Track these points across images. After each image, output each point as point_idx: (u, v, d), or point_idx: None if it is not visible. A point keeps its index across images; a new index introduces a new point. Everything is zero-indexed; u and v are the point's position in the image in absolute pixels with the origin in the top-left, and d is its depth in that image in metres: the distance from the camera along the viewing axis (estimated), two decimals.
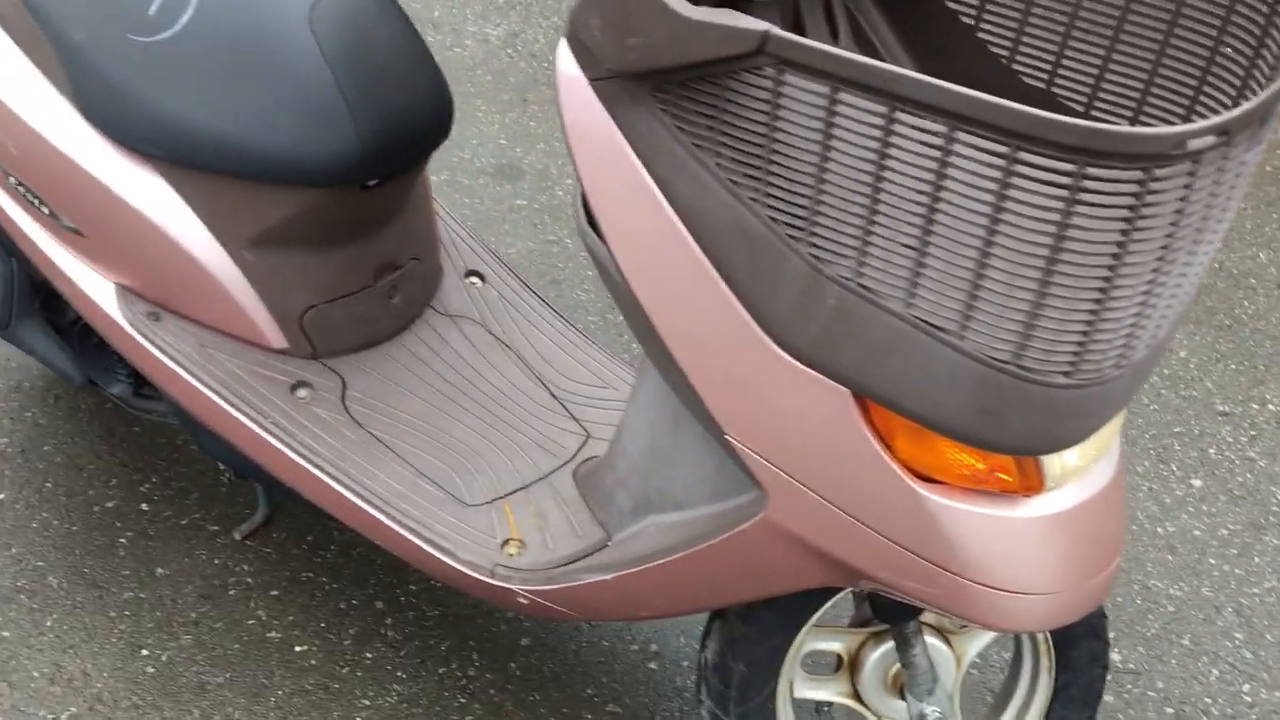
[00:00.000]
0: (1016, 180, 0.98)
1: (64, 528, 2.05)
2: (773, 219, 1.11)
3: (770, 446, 1.24)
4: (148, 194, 1.63)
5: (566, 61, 1.18)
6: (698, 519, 1.41)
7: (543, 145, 3.03)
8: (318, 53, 1.56)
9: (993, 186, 0.99)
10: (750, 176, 1.11)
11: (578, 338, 1.92)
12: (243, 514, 2.09)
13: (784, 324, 1.15)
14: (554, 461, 1.74)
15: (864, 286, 1.10)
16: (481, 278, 1.95)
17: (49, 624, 1.91)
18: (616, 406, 1.83)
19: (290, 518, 2.10)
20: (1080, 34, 1.35)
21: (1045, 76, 1.39)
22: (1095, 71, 1.35)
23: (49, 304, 1.94)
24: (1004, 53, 1.41)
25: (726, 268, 1.16)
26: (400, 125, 1.63)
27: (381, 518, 1.64)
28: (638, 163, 1.17)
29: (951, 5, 1.42)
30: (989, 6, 1.40)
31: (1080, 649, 1.59)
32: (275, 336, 1.73)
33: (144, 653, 1.89)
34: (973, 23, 1.42)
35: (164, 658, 1.88)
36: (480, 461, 1.73)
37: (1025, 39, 1.39)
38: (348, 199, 1.67)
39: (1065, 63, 1.37)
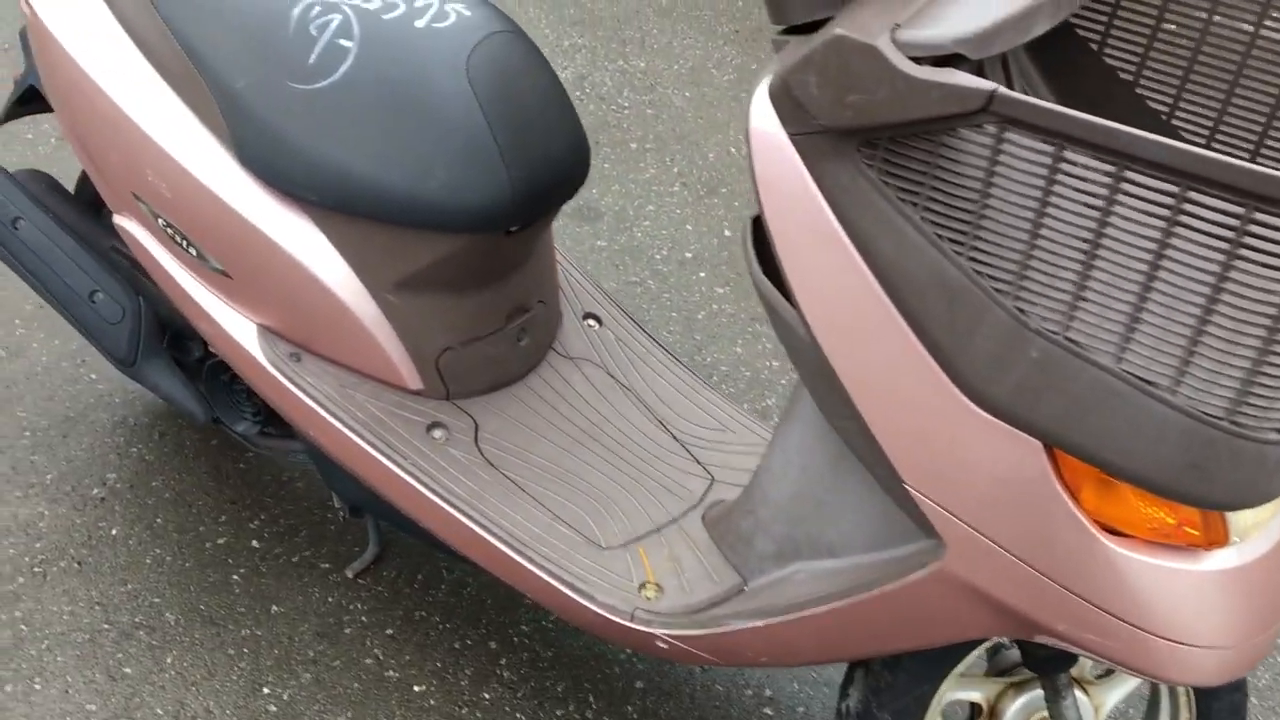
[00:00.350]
0: (1249, 240, 0.99)
1: (177, 564, 2.06)
2: (977, 272, 1.13)
3: (952, 497, 1.25)
4: (298, 238, 1.64)
5: (763, 117, 1.20)
6: (858, 567, 1.42)
7: (618, 186, 3.06)
8: (473, 100, 1.58)
9: (1224, 245, 1.01)
10: (957, 230, 1.12)
11: (693, 380, 1.94)
12: (353, 552, 2.10)
13: (978, 376, 1.16)
14: (682, 505, 1.75)
15: (1071, 340, 1.11)
16: (599, 320, 1.97)
17: (169, 661, 1.92)
18: (737, 450, 1.84)
19: (400, 556, 2.11)
20: (1244, 91, 1.37)
21: (1206, 132, 1.41)
22: (1259, 127, 1.37)
23: (175, 342, 1.95)
24: (1164, 109, 1.43)
25: (920, 320, 1.17)
26: (546, 172, 1.65)
27: (520, 559, 1.65)
28: (831, 215, 1.18)
29: (1110, 61, 1.45)
30: (1149, 64, 1.43)
31: (1222, 701, 1.60)
32: (411, 377, 1.74)
33: (265, 691, 1.89)
34: (1132, 79, 1.44)
35: (285, 696, 1.89)
36: (611, 504, 1.74)
37: (1186, 95, 1.41)
38: (491, 244, 1.69)
39: (1227, 118, 1.39)
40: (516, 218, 1.65)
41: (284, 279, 1.67)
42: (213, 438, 2.27)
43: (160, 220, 1.71)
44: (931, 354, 1.18)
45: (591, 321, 1.97)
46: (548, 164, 1.66)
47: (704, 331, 2.65)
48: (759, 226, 1.39)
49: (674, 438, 1.84)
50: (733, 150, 3.32)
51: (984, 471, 1.21)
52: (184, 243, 1.70)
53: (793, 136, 1.17)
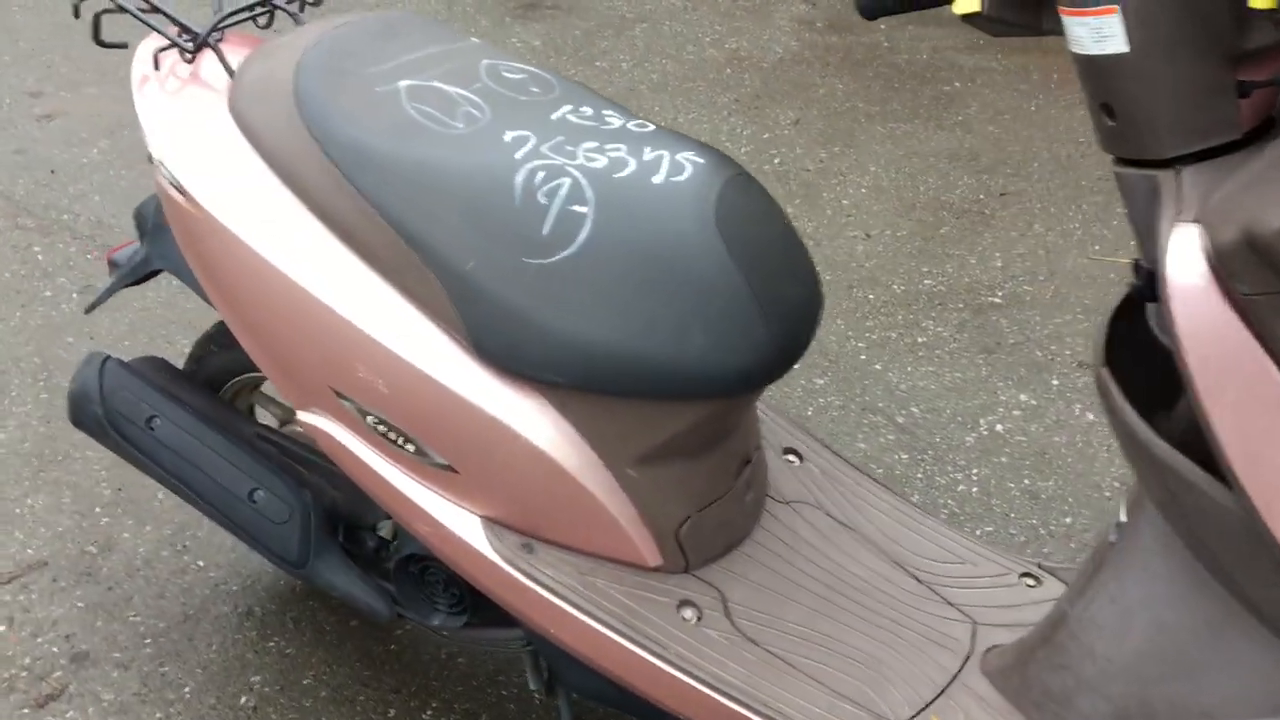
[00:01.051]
0: None
1: None
2: None
3: None
4: (535, 422, 1.47)
5: (1191, 272, 1.08)
6: None
7: None
8: (725, 255, 1.43)
9: None
10: None
11: (909, 508, 1.81)
12: None
13: None
14: (955, 658, 1.61)
15: None
16: (799, 456, 1.83)
17: None
18: (984, 584, 1.72)
19: None
20: None
21: None
22: None
23: (347, 535, 1.76)
24: None
25: None
26: (799, 321, 1.51)
27: None
28: None
29: None
30: None
31: None
32: (651, 554, 1.58)
33: None
34: None
35: None
36: (884, 668, 1.59)
37: None
38: (739, 404, 1.54)
39: None
40: (774, 374, 1.51)
41: (518, 467, 1.49)
42: (352, 618, 2.07)
43: (370, 418, 1.51)
44: None
45: (791, 457, 1.83)
46: (800, 313, 1.51)
47: (820, 430, 2.53)
48: (1117, 368, 1.27)
49: (917, 580, 1.71)
50: None
51: None
52: (400, 440, 1.51)
53: (1247, 296, 1.05)
